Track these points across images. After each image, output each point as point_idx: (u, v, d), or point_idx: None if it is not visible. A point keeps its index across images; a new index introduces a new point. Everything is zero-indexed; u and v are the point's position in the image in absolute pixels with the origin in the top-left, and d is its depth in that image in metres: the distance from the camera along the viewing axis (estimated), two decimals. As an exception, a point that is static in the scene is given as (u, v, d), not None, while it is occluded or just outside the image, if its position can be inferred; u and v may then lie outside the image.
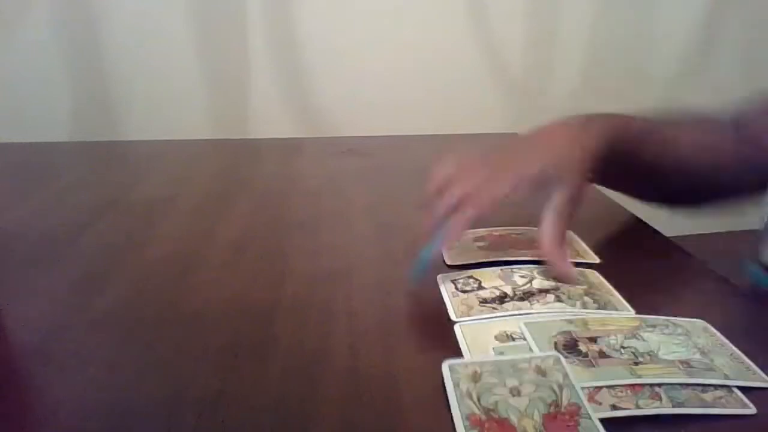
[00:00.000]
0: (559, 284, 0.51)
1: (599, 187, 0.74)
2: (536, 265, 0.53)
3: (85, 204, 0.72)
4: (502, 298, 0.48)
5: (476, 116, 1.28)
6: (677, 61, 1.34)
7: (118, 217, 0.69)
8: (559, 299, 0.48)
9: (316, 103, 1.25)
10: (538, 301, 0.48)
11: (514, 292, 0.49)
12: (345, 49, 1.22)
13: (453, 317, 0.46)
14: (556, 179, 0.52)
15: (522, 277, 0.51)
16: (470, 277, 0.52)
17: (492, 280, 0.51)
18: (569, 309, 0.47)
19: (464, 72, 1.28)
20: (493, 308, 0.47)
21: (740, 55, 1.31)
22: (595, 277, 0.52)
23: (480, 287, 0.50)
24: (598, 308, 0.47)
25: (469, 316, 0.46)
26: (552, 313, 0.46)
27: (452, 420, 0.35)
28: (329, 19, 1.21)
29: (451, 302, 0.48)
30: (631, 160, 0.59)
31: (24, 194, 0.76)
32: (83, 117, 1.19)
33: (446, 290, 0.50)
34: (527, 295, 0.49)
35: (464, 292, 0.50)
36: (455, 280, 0.52)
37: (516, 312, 0.46)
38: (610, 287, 0.50)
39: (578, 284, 0.51)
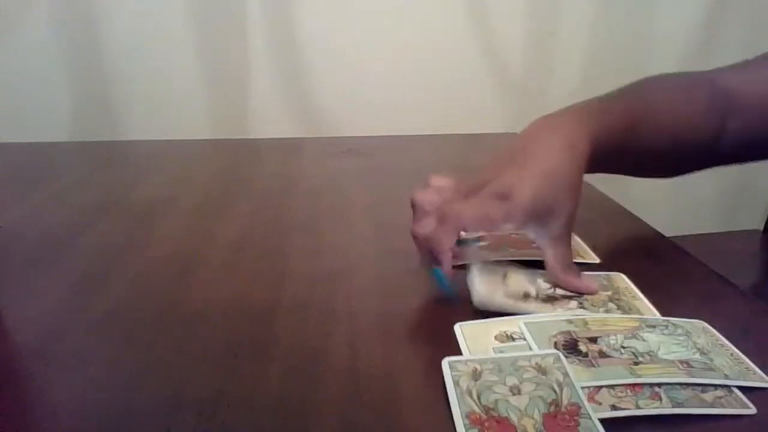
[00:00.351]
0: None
1: (597, 187, 0.74)
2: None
3: (85, 204, 0.72)
4: (526, 296, 0.48)
5: (476, 116, 1.28)
6: (677, 61, 1.33)
7: (118, 217, 0.69)
8: (581, 305, 0.48)
9: (316, 103, 1.25)
10: (561, 307, 0.48)
11: (537, 293, 0.49)
12: (345, 49, 1.22)
13: (477, 300, 0.47)
14: (551, 206, 0.48)
15: (547, 282, 0.51)
16: (498, 263, 0.52)
17: (517, 276, 0.51)
18: (559, 315, 0.46)
19: (464, 72, 1.28)
20: (515, 303, 0.47)
21: (740, 55, 1.31)
22: (621, 280, 0.52)
23: (505, 279, 0.50)
24: (623, 314, 0.47)
25: (491, 303, 0.46)
26: (553, 314, 0.46)
27: (452, 418, 0.35)
28: (329, 19, 1.21)
29: (477, 288, 0.48)
30: (622, 150, 0.57)
31: (24, 194, 0.76)
32: (83, 117, 1.19)
33: (475, 274, 0.49)
34: (550, 299, 0.48)
35: (491, 274, 0.50)
36: (484, 263, 0.52)
37: (540, 312, 0.46)
38: (637, 291, 0.50)
39: (603, 290, 0.50)
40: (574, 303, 0.48)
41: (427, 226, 0.49)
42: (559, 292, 0.50)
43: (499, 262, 0.53)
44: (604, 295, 0.50)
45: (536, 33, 1.29)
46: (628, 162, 0.62)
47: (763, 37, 1.33)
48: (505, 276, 0.51)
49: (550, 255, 0.49)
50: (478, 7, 1.25)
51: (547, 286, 0.50)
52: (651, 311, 0.47)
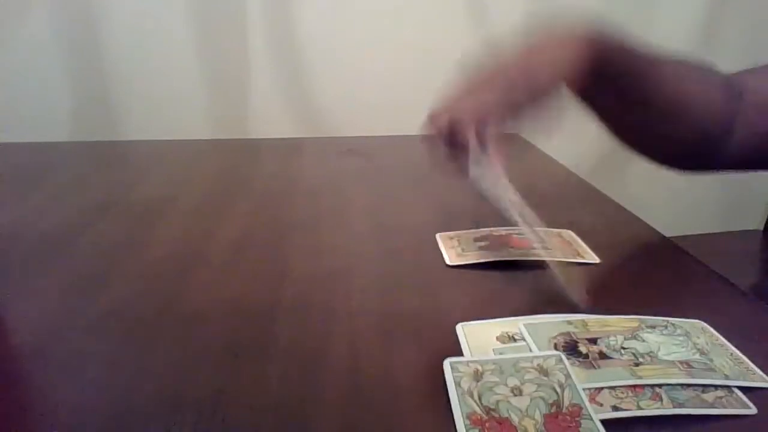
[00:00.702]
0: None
1: (598, 187, 0.74)
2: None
3: (85, 204, 0.72)
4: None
5: (476, 116, 1.28)
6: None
7: (118, 217, 0.69)
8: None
9: (316, 103, 1.25)
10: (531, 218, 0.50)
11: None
12: (345, 50, 1.22)
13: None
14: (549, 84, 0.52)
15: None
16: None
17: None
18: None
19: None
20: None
21: (740, 55, 1.31)
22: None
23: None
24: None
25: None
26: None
27: (453, 419, 0.35)
28: (329, 19, 1.21)
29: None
30: (625, 82, 0.57)
31: (24, 194, 0.76)
32: (83, 117, 1.19)
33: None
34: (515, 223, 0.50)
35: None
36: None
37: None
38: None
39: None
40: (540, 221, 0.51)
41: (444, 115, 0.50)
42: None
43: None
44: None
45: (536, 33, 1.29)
46: (631, 103, 0.59)
47: (764, 37, 1.33)
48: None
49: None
50: (478, 7, 1.25)
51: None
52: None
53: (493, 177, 0.49)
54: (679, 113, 0.59)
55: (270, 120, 1.23)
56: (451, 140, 0.49)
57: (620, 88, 0.57)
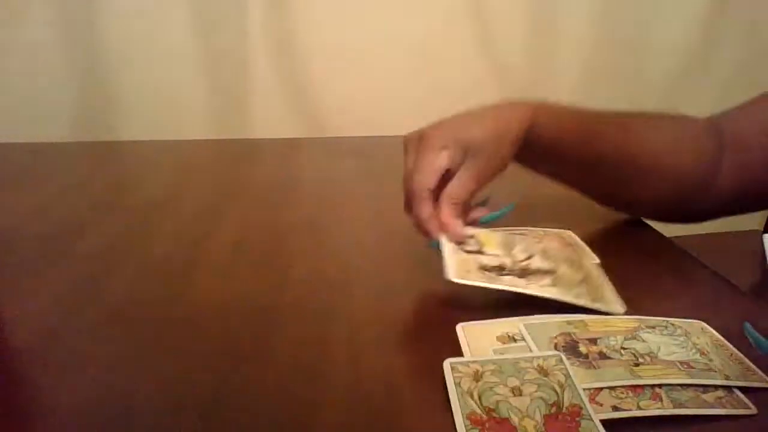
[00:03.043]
0: (558, 268, 0.50)
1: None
2: (538, 240, 0.53)
3: (85, 204, 0.72)
4: (501, 269, 0.48)
5: (476, 116, 1.28)
6: (677, 62, 1.33)
7: (118, 217, 0.69)
8: (554, 284, 0.48)
9: (316, 103, 1.24)
10: (535, 281, 0.48)
11: (513, 264, 0.49)
12: (345, 49, 1.22)
13: (450, 276, 0.46)
14: (475, 141, 0.52)
15: (523, 251, 0.51)
16: (471, 236, 0.52)
17: (493, 247, 0.51)
18: (561, 297, 0.47)
19: (465, 73, 1.28)
20: (491, 277, 0.47)
21: (740, 55, 1.31)
22: (596, 268, 0.52)
23: (480, 252, 0.50)
24: (592, 300, 0.47)
25: (466, 279, 0.46)
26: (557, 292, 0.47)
27: (453, 419, 0.35)
28: (329, 20, 1.21)
29: (450, 260, 0.48)
30: (581, 148, 0.57)
31: (24, 194, 0.76)
32: (83, 117, 1.19)
33: (447, 248, 0.50)
34: (524, 273, 0.49)
35: (466, 252, 0.50)
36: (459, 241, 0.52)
37: (512, 287, 0.47)
38: (606, 280, 0.50)
39: (576, 271, 0.51)
40: (547, 279, 0.49)
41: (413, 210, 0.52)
42: (534, 265, 0.50)
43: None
44: (577, 276, 0.50)
45: (536, 34, 1.29)
46: (588, 165, 0.59)
47: (764, 37, 1.33)
48: (480, 248, 0.51)
49: (452, 181, 0.52)
50: (478, 7, 1.25)
51: (523, 256, 0.51)
52: (618, 301, 0.48)
53: (453, 240, 0.51)
54: (648, 170, 0.59)
55: (270, 120, 1.23)
56: (412, 216, 0.52)
57: (565, 152, 0.57)
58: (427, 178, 0.51)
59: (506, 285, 0.46)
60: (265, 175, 0.86)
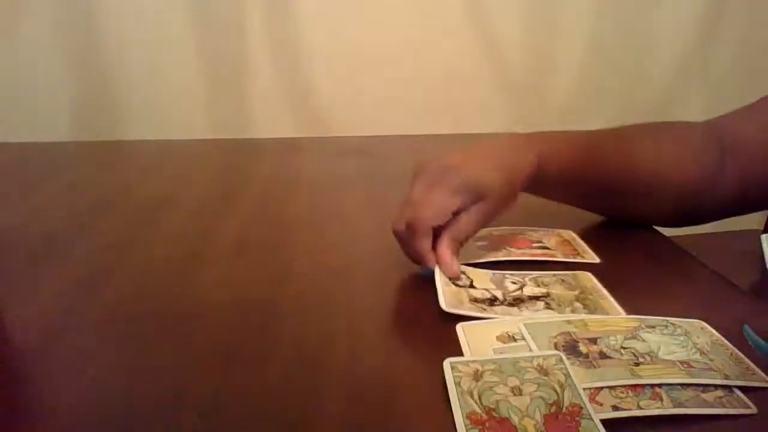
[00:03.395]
0: (550, 290, 0.50)
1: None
2: (529, 272, 0.53)
3: (85, 204, 0.72)
4: (492, 302, 0.48)
5: (476, 116, 1.28)
6: (677, 61, 1.33)
7: (118, 217, 0.69)
8: (549, 306, 0.48)
9: (316, 103, 1.24)
10: (527, 308, 0.48)
11: (504, 297, 0.49)
12: (345, 50, 1.22)
13: (443, 306, 0.46)
14: (483, 185, 0.52)
15: (513, 283, 0.51)
16: (463, 273, 0.52)
17: (484, 282, 0.51)
18: (558, 317, 0.46)
19: (464, 72, 1.28)
20: (483, 308, 0.47)
21: (740, 54, 1.31)
22: (588, 279, 0.52)
23: (471, 286, 0.50)
24: (588, 314, 0.47)
25: (459, 309, 0.46)
26: (550, 314, 0.46)
27: (453, 419, 0.35)
28: (329, 19, 1.21)
29: (443, 291, 0.48)
30: (586, 175, 0.59)
31: (24, 194, 0.76)
32: (83, 117, 1.19)
33: (440, 280, 0.50)
34: (517, 302, 0.49)
35: (457, 286, 0.50)
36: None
37: (505, 316, 0.46)
38: (603, 290, 0.50)
39: (569, 289, 0.51)
40: (540, 304, 0.48)
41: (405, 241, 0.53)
42: (526, 293, 0.50)
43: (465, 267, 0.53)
44: (570, 294, 0.50)
45: (536, 33, 1.29)
46: (598, 191, 0.61)
47: (762, 37, 1.33)
48: (471, 283, 0.51)
49: (460, 221, 0.52)
50: (478, 7, 1.25)
51: (515, 287, 0.50)
52: (617, 310, 0.47)
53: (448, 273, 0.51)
54: (652, 186, 0.61)
55: (270, 120, 1.23)
56: (410, 244, 0.52)
57: (572, 180, 0.59)
58: (436, 218, 0.51)
59: (499, 314, 0.46)
60: (265, 175, 0.86)
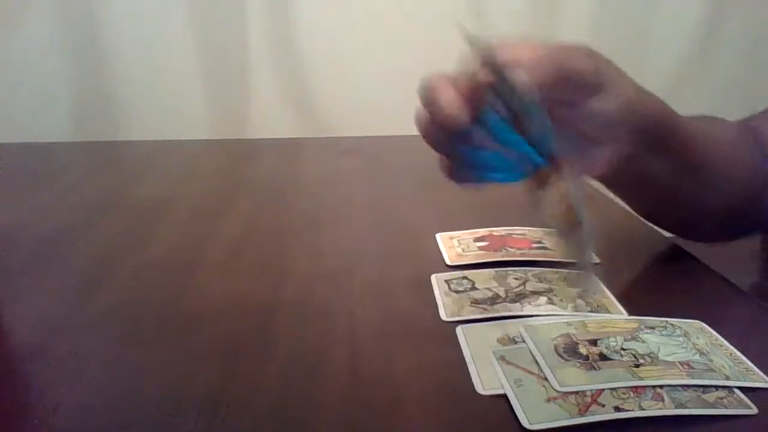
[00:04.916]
0: (552, 287, 0.50)
1: (598, 187, 0.73)
2: (532, 267, 0.53)
3: (85, 204, 0.72)
4: (494, 300, 0.48)
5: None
6: (678, 61, 1.33)
7: (118, 217, 0.69)
8: (551, 301, 0.48)
9: (316, 103, 1.24)
10: (529, 303, 0.48)
11: (506, 293, 0.49)
12: (345, 49, 1.22)
13: (443, 317, 0.46)
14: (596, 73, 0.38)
15: (516, 279, 0.51)
16: (464, 278, 0.52)
17: (486, 282, 0.51)
18: (560, 311, 0.47)
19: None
20: (484, 309, 0.47)
21: (741, 54, 1.31)
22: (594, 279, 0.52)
23: (473, 288, 0.50)
24: (591, 311, 0.47)
25: (459, 316, 0.46)
26: (547, 316, 0.46)
27: (451, 419, 0.34)
28: (330, 19, 1.21)
29: (442, 302, 0.48)
30: (679, 154, 0.48)
31: (24, 194, 0.76)
32: (83, 117, 1.19)
33: (439, 290, 0.50)
34: (519, 297, 0.49)
35: (456, 292, 0.50)
36: (449, 280, 0.51)
37: (507, 314, 0.46)
38: (605, 289, 0.50)
39: (572, 286, 0.51)
40: (543, 299, 0.48)
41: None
42: (529, 288, 0.50)
43: (466, 268, 0.53)
44: (572, 291, 0.50)
45: (536, 33, 1.29)
46: (680, 170, 0.50)
47: (764, 37, 1.33)
48: (473, 285, 0.51)
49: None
50: (478, 8, 1.25)
51: (517, 283, 0.50)
52: (618, 309, 0.47)
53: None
54: (726, 175, 0.53)
55: (270, 120, 1.23)
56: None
57: (674, 150, 0.48)
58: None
59: (501, 313, 0.46)
60: (265, 175, 0.86)
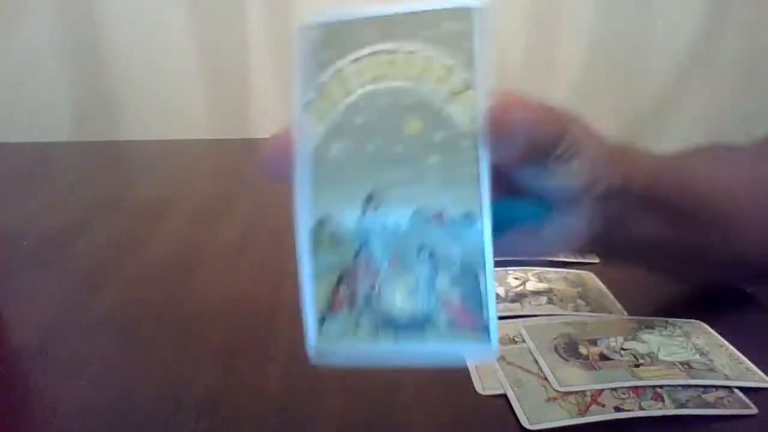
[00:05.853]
0: (552, 287, 0.50)
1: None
2: (532, 267, 0.53)
3: (85, 204, 0.72)
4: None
5: (476, 117, 1.28)
6: (678, 62, 1.34)
7: (118, 217, 0.69)
8: (551, 301, 0.48)
9: (316, 103, 1.24)
10: (529, 303, 0.48)
11: (506, 293, 0.49)
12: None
13: None
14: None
15: (516, 279, 0.51)
16: None
17: None
18: (560, 311, 0.47)
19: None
20: None
21: (742, 55, 1.31)
22: (591, 278, 0.52)
23: None
24: (591, 311, 0.47)
25: None
26: (547, 316, 0.46)
27: (452, 418, 0.34)
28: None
29: None
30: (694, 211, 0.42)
31: (24, 194, 0.76)
32: (83, 117, 1.19)
33: None
34: (519, 297, 0.49)
35: None
36: None
37: (507, 314, 0.46)
38: (605, 289, 0.50)
39: (572, 286, 0.51)
40: (543, 298, 0.48)
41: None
42: (529, 288, 0.50)
43: None
44: (573, 291, 0.50)
45: (536, 33, 1.29)
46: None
47: (764, 37, 1.33)
48: None
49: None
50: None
51: (517, 282, 0.50)
52: (618, 309, 0.47)
53: None
54: (745, 216, 0.45)
55: (270, 120, 1.23)
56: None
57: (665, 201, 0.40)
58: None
59: (500, 313, 0.46)
60: (265, 175, 0.86)
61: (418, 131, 0.27)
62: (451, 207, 0.27)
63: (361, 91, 0.28)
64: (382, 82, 0.28)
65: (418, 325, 0.27)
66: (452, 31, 0.28)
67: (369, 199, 0.27)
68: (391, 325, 0.27)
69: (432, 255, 0.27)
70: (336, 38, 0.29)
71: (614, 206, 0.36)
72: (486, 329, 0.27)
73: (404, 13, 0.28)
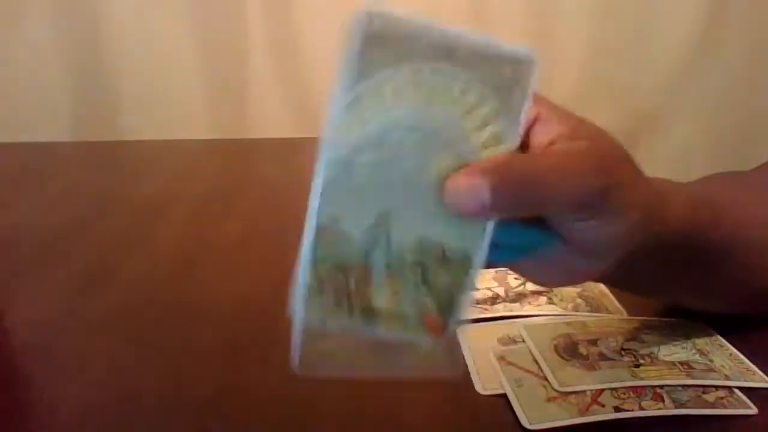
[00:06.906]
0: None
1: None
2: None
3: (85, 204, 0.72)
4: (494, 300, 0.48)
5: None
6: (678, 62, 1.34)
7: (119, 217, 0.69)
8: (551, 301, 0.48)
9: (316, 103, 1.24)
10: (529, 303, 0.48)
11: (506, 293, 0.49)
12: (345, 50, 1.22)
13: None
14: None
15: (516, 279, 0.51)
16: None
17: (486, 282, 0.51)
18: (560, 311, 0.47)
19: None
20: (484, 309, 0.47)
21: (742, 55, 1.31)
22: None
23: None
24: (591, 311, 0.47)
25: None
26: (547, 316, 0.46)
27: (451, 418, 0.34)
28: (330, 19, 1.21)
29: None
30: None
31: (24, 194, 0.76)
32: (83, 117, 1.19)
33: None
34: (519, 297, 0.49)
35: None
36: None
37: (507, 314, 0.46)
38: (605, 289, 0.50)
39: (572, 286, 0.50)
40: (543, 298, 0.48)
41: None
42: (529, 287, 0.50)
43: None
44: (572, 291, 0.49)
45: (536, 33, 1.29)
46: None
47: (764, 37, 1.33)
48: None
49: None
50: (478, 7, 1.25)
51: (517, 282, 0.50)
52: (618, 309, 0.47)
53: None
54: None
55: (270, 120, 1.23)
56: None
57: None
58: None
59: (501, 313, 0.46)
60: (266, 175, 0.86)
61: (446, 170, 0.28)
62: (453, 243, 0.28)
63: (403, 111, 0.28)
64: (427, 108, 0.28)
65: (395, 317, 0.29)
66: (508, 77, 0.28)
67: (380, 216, 0.28)
68: (372, 312, 0.29)
69: (425, 280, 0.28)
70: (394, 40, 0.28)
71: (642, 256, 0.34)
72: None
73: (469, 39, 0.28)
